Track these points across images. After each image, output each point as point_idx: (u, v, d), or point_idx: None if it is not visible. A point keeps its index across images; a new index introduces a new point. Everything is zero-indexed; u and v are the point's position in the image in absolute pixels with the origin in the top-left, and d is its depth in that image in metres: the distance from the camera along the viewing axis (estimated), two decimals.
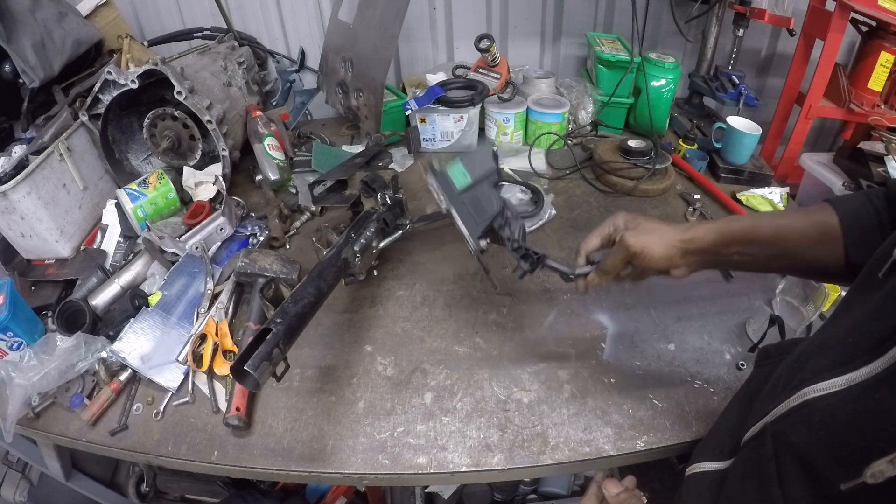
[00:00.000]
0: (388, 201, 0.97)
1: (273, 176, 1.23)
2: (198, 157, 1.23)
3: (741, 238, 0.61)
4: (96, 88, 1.08)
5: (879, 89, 1.41)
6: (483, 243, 0.76)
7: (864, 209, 0.56)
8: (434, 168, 0.82)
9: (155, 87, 1.17)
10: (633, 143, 1.24)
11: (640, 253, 0.63)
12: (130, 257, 1.04)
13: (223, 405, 0.80)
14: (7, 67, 1.11)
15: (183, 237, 1.01)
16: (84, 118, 1.11)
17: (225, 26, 1.52)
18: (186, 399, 0.81)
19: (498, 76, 1.40)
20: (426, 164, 0.82)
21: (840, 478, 0.38)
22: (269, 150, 1.25)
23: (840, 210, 0.57)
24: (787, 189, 1.23)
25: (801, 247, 0.59)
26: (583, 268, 0.71)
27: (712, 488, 0.57)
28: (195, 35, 1.54)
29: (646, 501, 0.58)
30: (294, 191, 1.26)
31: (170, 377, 0.82)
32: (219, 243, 1.06)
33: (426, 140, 1.42)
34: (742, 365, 0.83)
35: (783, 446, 0.46)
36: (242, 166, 1.31)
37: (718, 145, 1.32)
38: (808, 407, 0.44)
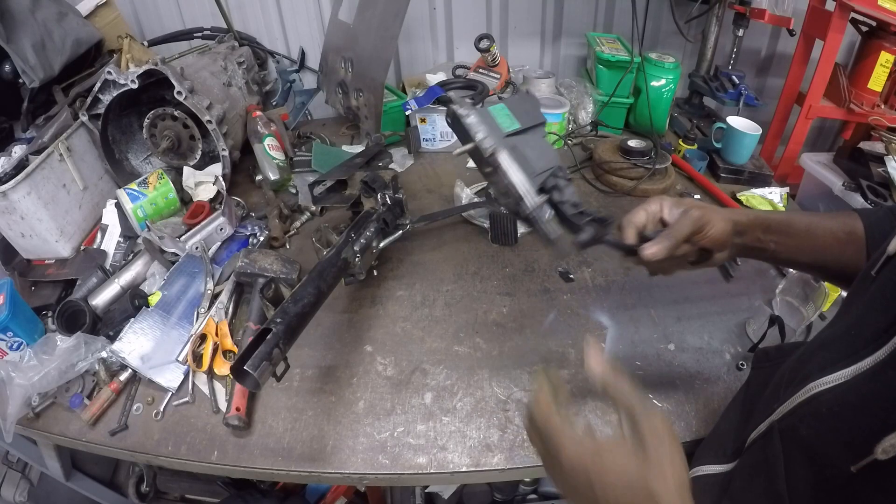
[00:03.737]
0: (388, 201, 0.97)
1: (273, 176, 1.23)
2: (198, 157, 1.23)
3: (777, 227, 0.63)
4: (96, 88, 1.08)
5: (879, 89, 1.41)
6: (540, 199, 0.61)
7: (886, 219, 0.60)
8: (466, 104, 0.62)
9: (155, 87, 1.17)
10: (633, 143, 1.24)
11: (705, 224, 0.60)
12: (130, 257, 1.04)
13: (223, 405, 0.80)
14: (7, 67, 1.11)
15: (183, 237, 1.01)
16: (84, 118, 1.11)
17: (225, 26, 1.52)
18: (186, 399, 0.81)
19: (498, 76, 1.40)
20: (458, 100, 0.60)
21: (850, 461, 0.38)
22: (269, 150, 1.25)
23: (865, 217, 0.61)
24: (787, 189, 1.23)
25: (830, 245, 0.61)
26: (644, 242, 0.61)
27: (716, 491, 0.57)
28: (195, 35, 1.54)
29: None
30: (294, 191, 1.26)
31: (170, 377, 0.82)
32: (219, 243, 1.06)
33: (426, 140, 1.42)
34: (742, 365, 0.83)
35: (792, 441, 0.46)
36: (242, 166, 1.31)
37: (718, 145, 1.32)
38: (816, 400, 0.45)
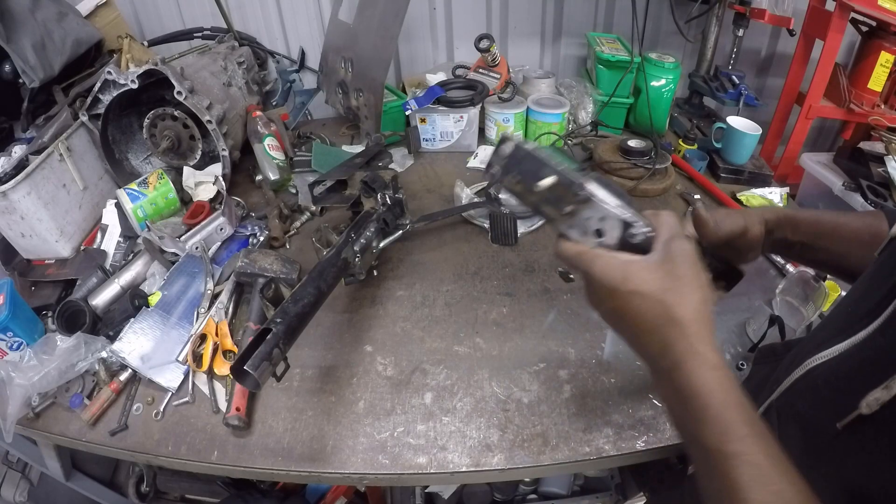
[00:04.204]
0: (388, 201, 0.97)
1: (273, 176, 1.23)
2: (198, 157, 1.23)
3: (805, 227, 0.62)
4: (96, 88, 1.08)
5: (879, 89, 1.41)
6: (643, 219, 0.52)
7: None
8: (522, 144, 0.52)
9: (155, 87, 1.17)
10: (633, 143, 1.24)
11: (748, 227, 0.59)
12: (130, 257, 1.04)
13: (223, 405, 0.80)
14: (7, 67, 1.11)
15: (183, 237, 1.01)
16: (84, 118, 1.11)
17: (225, 26, 1.52)
18: (186, 399, 0.81)
19: (498, 76, 1.40)
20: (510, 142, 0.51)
21: (837, 419, 0.39)
22: (269, 150, 1.25)
23: (891, 218, 0.60)
24: (787, 189, 1.23)
25: (855, 247, 0.61)
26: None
27: None
28: (195, 35, 1.54)
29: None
30: (294, 191, 1.26)
31: (170, 377, 0.82)
32: (219, 243, 1.06)
33: (426, 140, 1.42)
34: (742, 365, 0.83)
35: (788, 417, 0.47)
36: (242, 166, 1.31)
37: (718, 145, 1.32)
38: (811, 374, 0.45)
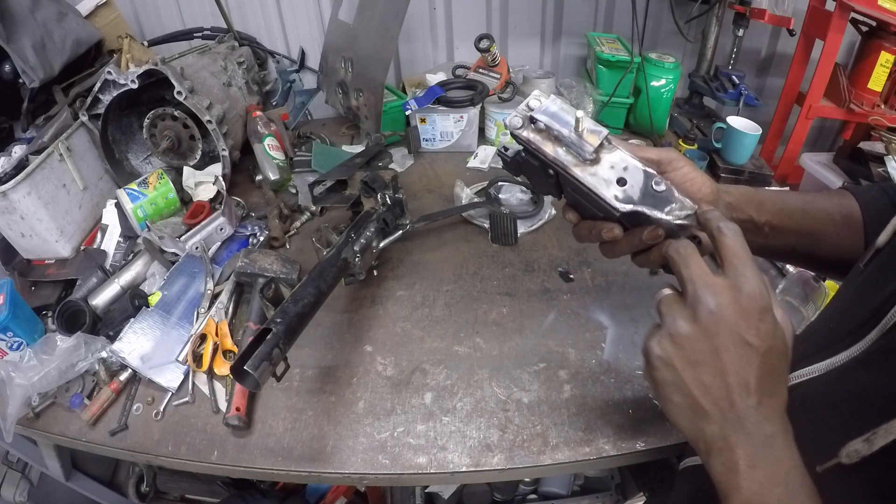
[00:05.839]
0: (388, 201, 0.97)
1: (273, 176, 1.23)
2: (198, 157, 1.23)
3: (771, 205, 0.57)
4: (96, 88, 1.08)
5: (879, 89, 1.41)
6: None
7: (881, 199, 0.56)
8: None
9: (155, 87, 1.17)
10: (633, 143, 1.24)
11: (676, 163, 0.54)
12: (130, 257, 1.04)
13: (223, 405, 0.80)
14: (7, 67, 1.11)
15: (183, 237, 1.01)
16: (84, 118, 1.11)
17: (225, 26, 1.52)
18: (186, 399, 0.81)
19: (498, 76, 1.40)
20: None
21: (817, 460, 0.38)
22: (269, 150, 1.25)
23: (860, 198, 0.57)
24: (787, 189, 1.23)
25: (827, 229, 0.57)
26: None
27: (703, 479, 0.57)
28: (195, 35, 1.54)
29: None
30: (294, 191, 1.26)
31: (170, 377, 0.82)
32: (219, 243, 1.06)
33: (426, 140, 1.42)
34: None
35: None
36: (242, 166, 1.31)
37: (718, 145, 1.32)
38: (790, 394, 0.44)
